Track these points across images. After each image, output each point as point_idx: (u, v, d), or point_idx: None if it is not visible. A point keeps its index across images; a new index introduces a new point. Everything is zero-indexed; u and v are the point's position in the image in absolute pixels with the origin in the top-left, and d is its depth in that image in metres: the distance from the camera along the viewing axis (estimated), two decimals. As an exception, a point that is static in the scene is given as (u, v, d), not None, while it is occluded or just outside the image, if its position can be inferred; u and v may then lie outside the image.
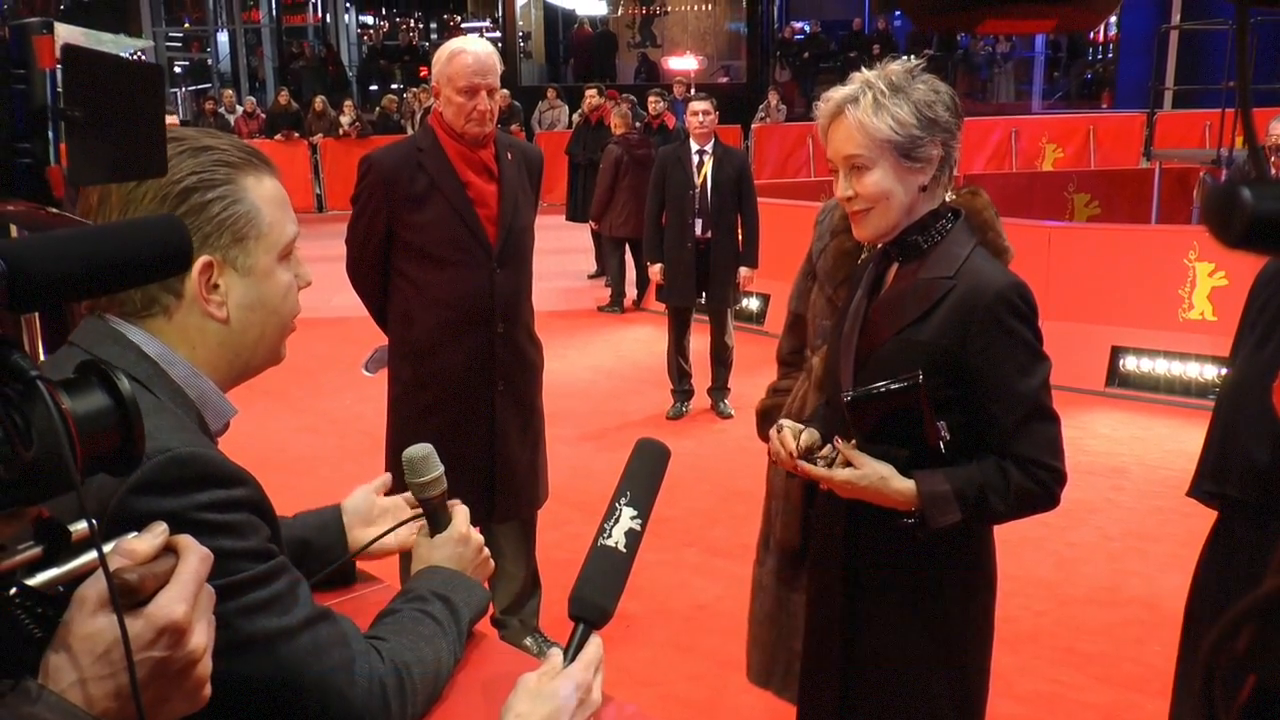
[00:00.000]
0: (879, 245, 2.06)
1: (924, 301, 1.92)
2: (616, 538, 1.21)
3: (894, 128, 1.87)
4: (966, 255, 1.94)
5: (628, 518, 1.23)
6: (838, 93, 1.95)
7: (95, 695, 0.78)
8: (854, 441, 1.96)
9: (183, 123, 18.60)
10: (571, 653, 1.16)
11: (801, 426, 2.11)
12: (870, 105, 1.88)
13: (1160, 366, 6.70)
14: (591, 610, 1.18)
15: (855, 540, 2.06)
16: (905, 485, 1.91)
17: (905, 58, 1.99)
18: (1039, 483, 1.92)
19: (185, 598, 0.82)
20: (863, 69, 1.97)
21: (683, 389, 6.65)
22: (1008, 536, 4.98)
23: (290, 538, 1.53)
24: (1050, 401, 1.96)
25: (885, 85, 1.89)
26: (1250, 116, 0.62)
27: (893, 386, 1.86)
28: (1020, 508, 1.94)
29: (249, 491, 1.16)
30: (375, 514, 1.61)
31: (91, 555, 0.78)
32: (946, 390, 1.90)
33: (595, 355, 8.14)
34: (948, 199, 2.05)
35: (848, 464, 1.96)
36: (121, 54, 0.80)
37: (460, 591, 1.43)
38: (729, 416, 6.51)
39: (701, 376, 6.68)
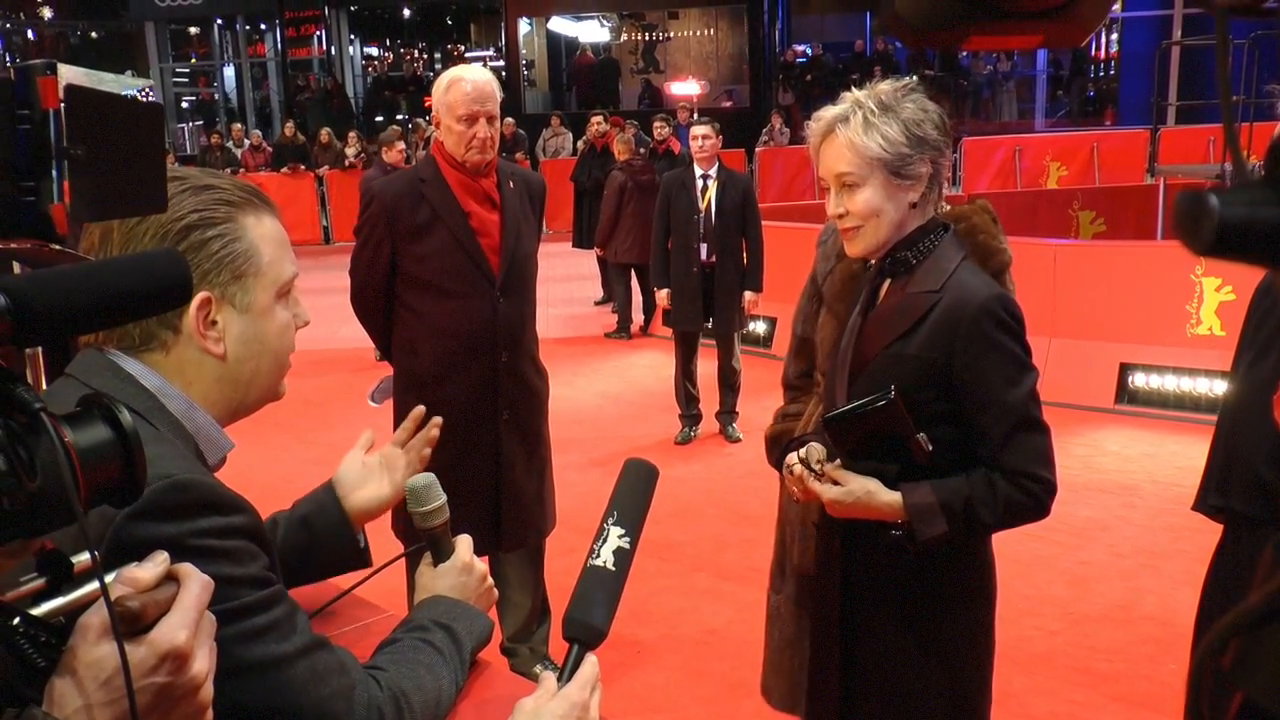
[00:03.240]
0: (873, 262, 2.09)
1: (911, 316, 1.96)
2: (605, 557, 1.22)
3: (884, 146, 1.91)
4: (953, 269, 1.97)
5: (616, 537, 1.24)
6: (828, 112, 1.99)
7: None
8: (838, 461, 2.00)
9: (190, 157, 18.75)
10: (566, 673, 1.17)
11: (805, 452, 2.12)
12: (861, 124, 1.92)
13: (1170, 383, 6.68)
14: (584, 630, 1.19)
15: (852, 554, 2.09)
16: (892, 498, 1.94)
17: (910, 78, 2.03)
18: (1028, 494, 1.94)
19: (187, 624, 0.83)
20: (853, 88, 2.01)
21: (691, 414, 6.64)
22: (1020, 555, 4.95)
23: (292, 519, 1.60)
24: (1039, 412, 1.98)
25: (875, 104, 1.93)
26: (1232, 120, 0.62)
27: (867, 405, 1.90)
28: (1009, 519, 1.96)
29: (247, 519, 1.17)
30: (366, 475, 1.64)
31: (94, 585, 0.79)
32: (936, 404, 1.93)
33: (603, 382, 8.14)
34: (940, 211, 2.07)
35: (836, 483, 2.00)
36: (124, 93, 0.81)
37: (462, 620, 1.43)
38: (737, 440, 6.50)
39: (709, 401, 6.68)
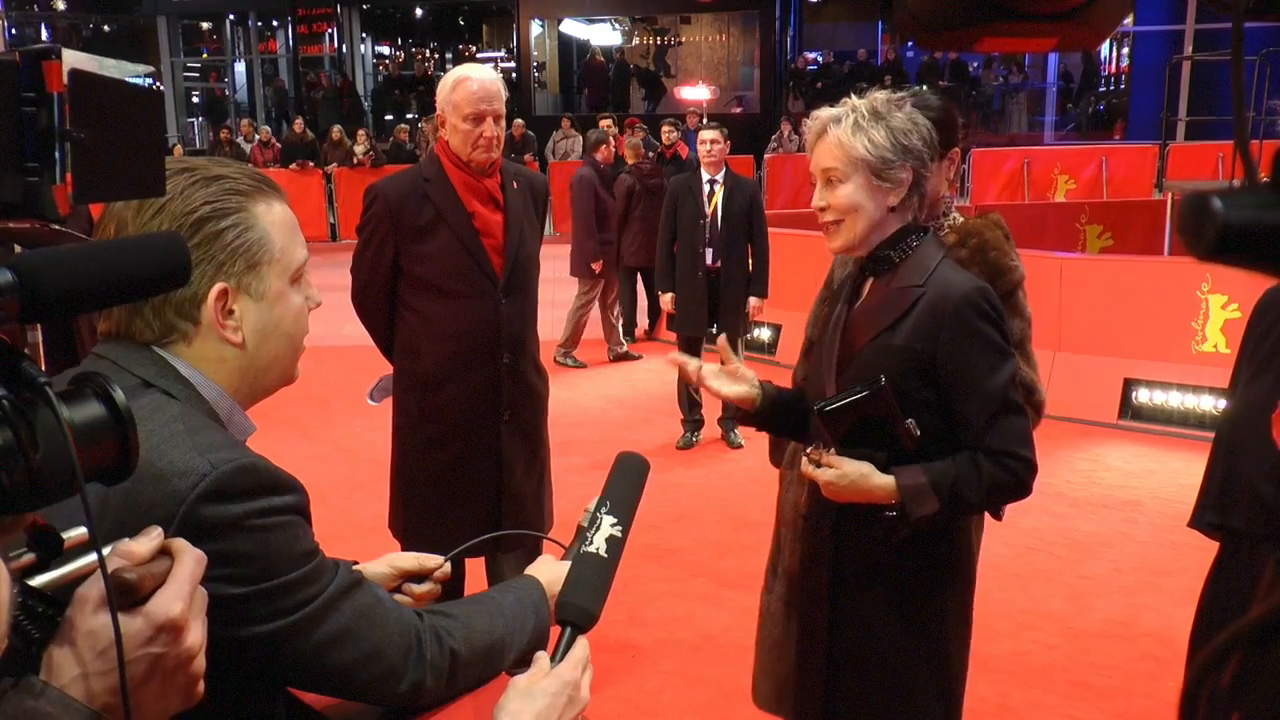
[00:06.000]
0: (855, 259, 2.20)
1: (896, 309, 2.07)
2: (598, 544, 1.26)
3: (868, 148, 2.04)
4: (935, 265, 2.08)
5: (609, 525, 1.28)
6: (825, 113, 2.13)
7: (96, 690, 0.81)
8: (834, 450, 2.09)
9: (199, 152, 18.79)
10: (559, 655, 1.20)
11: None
12: (850, 126, 2.06)
13: (1174, 399, 6.67)
14: (576, 613, 1.22)
15: (841, 539, 2.18)
16: (885, 481, 2.05)
17: (910, 88, 2.16)
18: (1010, 472, 2.04)
19: (182, 597, 0.85)
20: (852, 95, 2.14)
21: (693, 419, 6.64)
22: (1020, 569, 4.92)
23: None
24: (1018, 397, 2.09)
25: (867, 110, 2.07)
26: (1244, 121, 0.61)
27: (857, 395, 2.00)
28: (994, 497, 2.08)
29: (298, 498, 1.23)
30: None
31: (90, 558, 0.81)
32: (921, 391, 2.04)
33: (606, 385, 8.14)
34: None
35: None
36: (129, 79, 0.82)
37: (542, 612, 1.44)
38: (739, 446, 6.49)
39: (712, 406, 6.67)
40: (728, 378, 2.27)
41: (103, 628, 0.80)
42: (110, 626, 0.79)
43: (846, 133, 2.05)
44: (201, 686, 0.89)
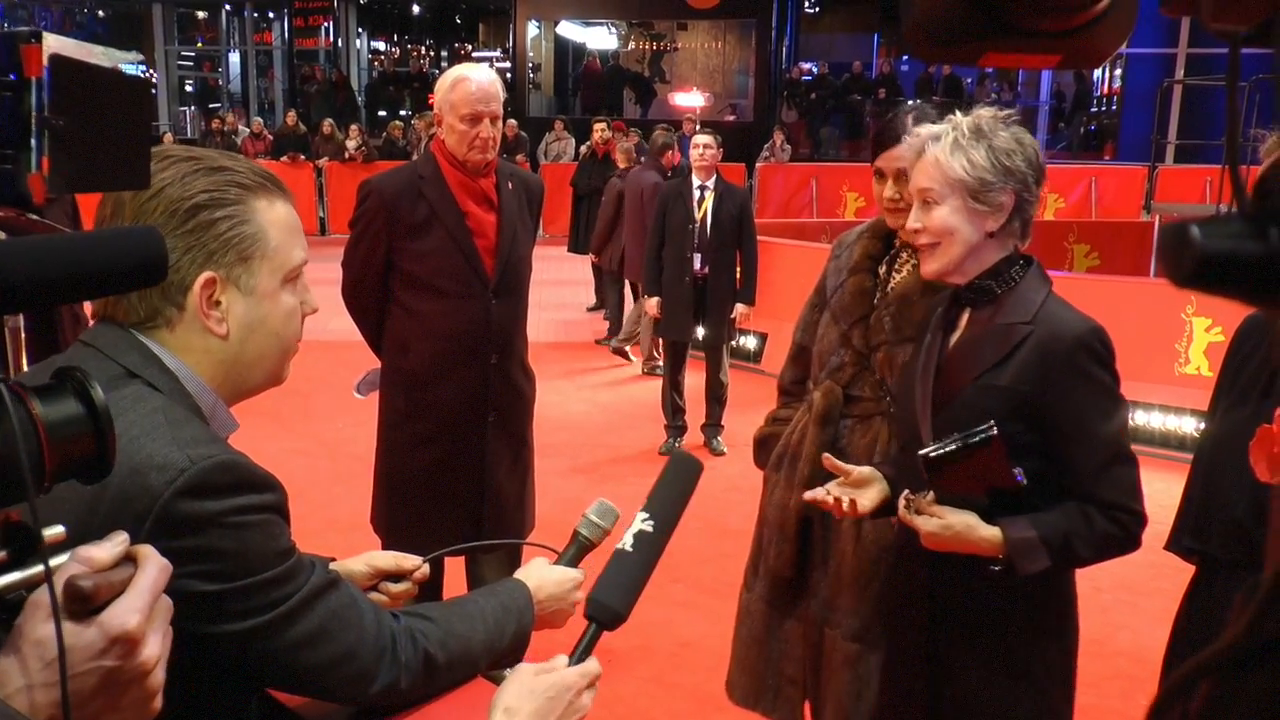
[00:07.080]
0: (944, 284, 2.08)
1: (1002, 347, 1.94)
2: (627, 541, 1.28)
3: (966, 169, 1.92)
4: (1042, 300, 1.97)
5: (639, 521, 1.30)
6: (925, 129, 2.02)
7: (40, 702, 0.77)
8: (932, 495, 1.95)
9: (190, 140, 18.70)
10: (578, 653, 1.21)
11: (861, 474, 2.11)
12: (950, 145, 1.94)
13: (1155, 420, 6.69)
14: (600, 610, 1.24)
15: (939, 591, 2.05)
16: (991, 533, 1.90)
17: (996, 106, 2.03)
18: (1121, 526, 1.92)
19: (140, 608, 0.81)
20: (957, 112, 2.01)
21: (676, 424, 6.63)
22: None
23: None
24: (1129, 444, 1.97)
25: (969, 128, 1.95)
26: (1237, 152, 0.61)
27: (968, 442, 1.85)
28: (1103, 551, 1.94)
29: (276, 496, 1.22)
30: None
31: (53, 562, 0.77)
32: (1025, 435, 1.91)
33: (591, 388, 8.13)
34: None
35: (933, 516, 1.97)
36: (118, 66, 0.81)
37: (525, 619, 1.46)
38: (721, 454, 6.48)
39: (696, 413, 6.67)
40: (855, 489, 2.10)
41: (52, 637, 0.76)
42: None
43: (945, 151, 1.94)
44: (159, 701, 0.84)
